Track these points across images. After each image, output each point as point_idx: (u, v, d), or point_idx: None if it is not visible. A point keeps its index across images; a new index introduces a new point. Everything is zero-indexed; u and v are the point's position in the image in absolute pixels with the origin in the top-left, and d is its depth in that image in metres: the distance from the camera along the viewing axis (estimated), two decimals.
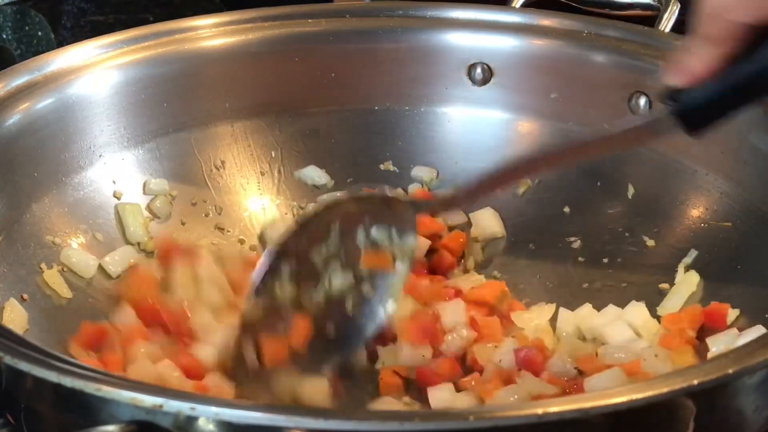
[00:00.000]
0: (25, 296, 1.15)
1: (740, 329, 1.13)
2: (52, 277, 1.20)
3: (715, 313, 1.16)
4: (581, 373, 1.12)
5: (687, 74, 0.99)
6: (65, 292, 1.20)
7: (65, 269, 1.22)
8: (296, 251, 1.16)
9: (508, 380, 1.11)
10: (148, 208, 1.34)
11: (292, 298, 1.15)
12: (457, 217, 1.38)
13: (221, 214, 1.38)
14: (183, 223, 1.36)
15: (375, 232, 1.16)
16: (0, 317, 1.10)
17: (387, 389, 1.15)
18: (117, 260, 1.27)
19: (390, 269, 1.15)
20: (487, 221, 1.38)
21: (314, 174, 1.43)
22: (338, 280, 1.15)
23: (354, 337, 1.15)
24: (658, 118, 1.03)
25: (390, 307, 1.14)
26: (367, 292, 1.15)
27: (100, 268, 1.26)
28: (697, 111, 1.00)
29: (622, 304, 1.23)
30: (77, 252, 1.24)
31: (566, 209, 1.37)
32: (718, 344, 1.13)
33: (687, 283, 1.23)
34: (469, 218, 1.39)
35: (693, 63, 0.99)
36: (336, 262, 1.16)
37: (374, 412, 1.03)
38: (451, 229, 1.37)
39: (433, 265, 1.33)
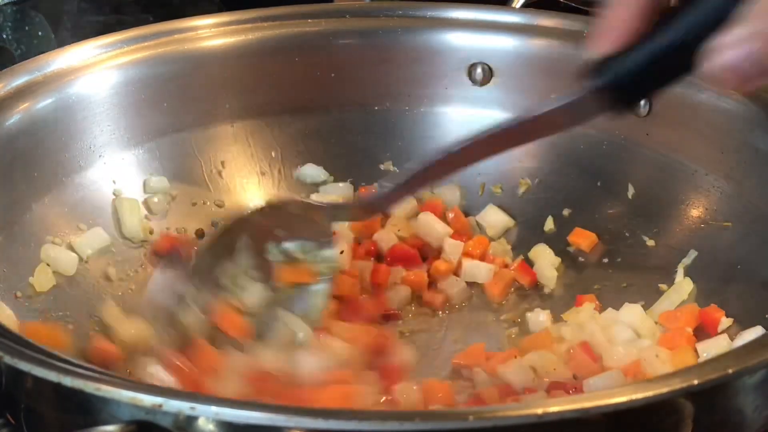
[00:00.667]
0: (19, 294, 1.15)
1: (735, 334, 1.13)
2: (41, 273, 1.19)
3: (710, 316, 1.16)
4: (576, 377, 1.12)
5: (611, 36, 0.95)
6: (39, 286, 1.19)
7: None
8: (201, 271, 1.13)
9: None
10: (145, 203, 1.34)
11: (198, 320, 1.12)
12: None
13: (222, 208, 1.39)
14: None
15: (288, 245, 1.15)
16: None
17: None
18: (87, 242, 1.27)
19: (309, 281, 1.14)
20: (495, 217, 1.39)
21: (313, 172, 1.43)
22: (253, 295, 1.14)
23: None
24: (585, 96, 0.98)
25: (312, 322, 1.13)
26: (285, 308, 1.13)
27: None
28: (626, 79, 0.94)
29: (621, 305, 1.23)
30: (57, 249, 1.23)
31: (566, 209, 1.37)
32: (708, 350, 1.13)
33: (679, 289, 1.23)
34: (477, 223, 1.40)
35: (615, 23, 0.94)
36: (244, 279, 1.14)
37: (374, 412, 1.02)
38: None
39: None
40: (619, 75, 0.95)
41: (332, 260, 1.15)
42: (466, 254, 1.33)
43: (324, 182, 1.43)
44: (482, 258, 1.33)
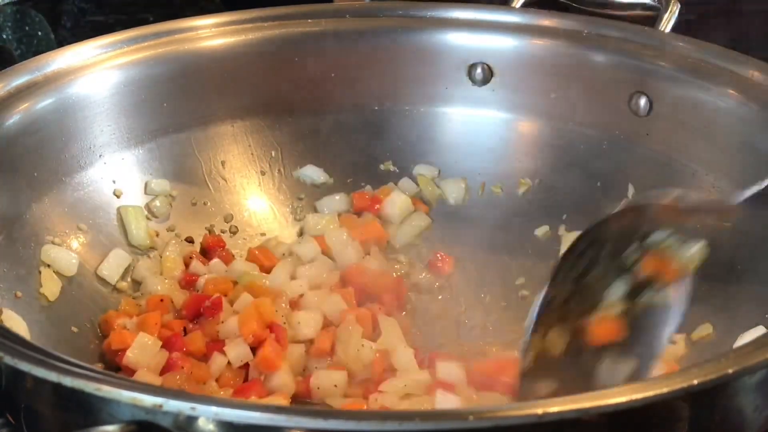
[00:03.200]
0: (19, 293, 1.15)
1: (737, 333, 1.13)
2: (47, 280, 1.19)
3: None
4: None
5: None
6: (51, 294, 1.19)
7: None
8: (569, 279, 1.05)
9: None
10: (147, 207, 1.34)
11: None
12: None
13: (230, 221, 1.40)
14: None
15: (655, 236, 1.05)
16: None
17: None
18: (113, 267, 1.27)
19: (674, 277, 1.04)
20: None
21: (313, 173, 1.43)
22: (616, 294, 1.05)
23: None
24: None
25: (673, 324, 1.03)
26: (650, 303, 1.04)
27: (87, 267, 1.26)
28: None
29: None
30: (57, 249, 1.23)
31: (566, 211, 1.37)
32: None
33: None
34: None
35: None
36: (612, 277, 1.05)
37: (374, 412, 1.03)
38: None
39: None
40: None
41: (698, 256, 1.05)
42: None
43: (324, 183, 1.43)
44: None
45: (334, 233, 1.36)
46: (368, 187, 1.44)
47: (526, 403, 0.99)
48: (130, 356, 1.14)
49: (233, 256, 1.35)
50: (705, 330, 1.17)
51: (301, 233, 1.41)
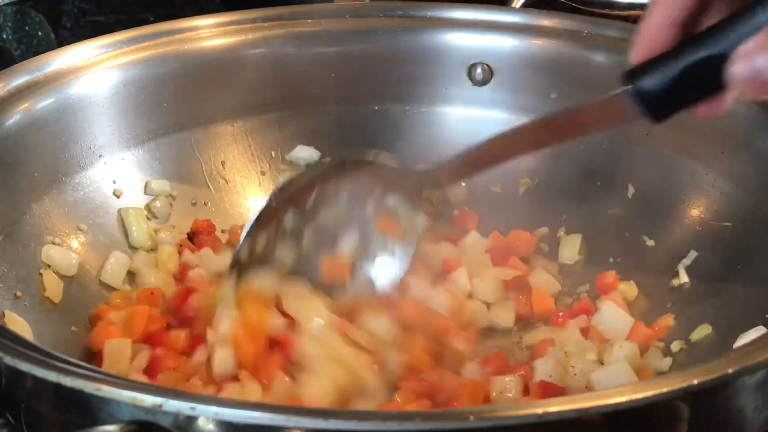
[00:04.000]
0: (19, 294, 1.15)
1: (738, 332, 1.13)
2: (50, 282, 1.19)
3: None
4: None
5: (643, 46, 0.93)
6: (55, 297, 1.19)
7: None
8: (301, 206, 1.17)
9: None
10: (147, 208, 1.34)
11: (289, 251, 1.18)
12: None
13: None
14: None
15: (390, 200, 1.17)
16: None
17: None
18: (115, 272, 1.26)
19: (400, 240, 1.16)
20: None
21: (304, 153, 1.43)
22: (349, 240, 1.17)
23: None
24: (620, 98, 0.96)
25: (391, 280, 1.16)
26: (373, 255, 1.16)
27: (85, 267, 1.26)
28: (656, 94, 0.93)
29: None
30: (58, 249, 1.22)
31: (566, 211, 1.37)
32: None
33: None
34: None
35: (648, 31, 0.93)
36: (345, 223, 1.18)
37: (374, 412, 1.03)
38: None
39: None
40: (649, 83, 0.93)
41: (420, 226, 1.17)
42: None
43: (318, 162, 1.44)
44: None
45: None
46: None
47: (526, 403, 1.00)
48: (107, 368, 1.11)
49: (222, 241, 1.35)
50: (704, 330, 1.17)
51: None
